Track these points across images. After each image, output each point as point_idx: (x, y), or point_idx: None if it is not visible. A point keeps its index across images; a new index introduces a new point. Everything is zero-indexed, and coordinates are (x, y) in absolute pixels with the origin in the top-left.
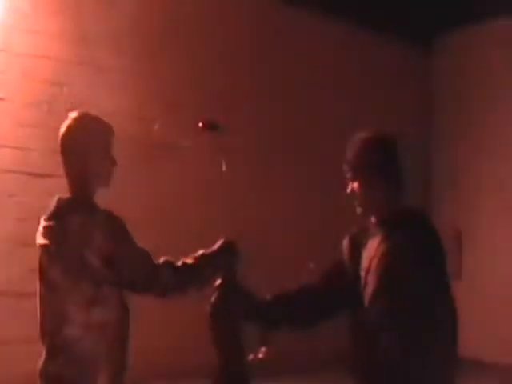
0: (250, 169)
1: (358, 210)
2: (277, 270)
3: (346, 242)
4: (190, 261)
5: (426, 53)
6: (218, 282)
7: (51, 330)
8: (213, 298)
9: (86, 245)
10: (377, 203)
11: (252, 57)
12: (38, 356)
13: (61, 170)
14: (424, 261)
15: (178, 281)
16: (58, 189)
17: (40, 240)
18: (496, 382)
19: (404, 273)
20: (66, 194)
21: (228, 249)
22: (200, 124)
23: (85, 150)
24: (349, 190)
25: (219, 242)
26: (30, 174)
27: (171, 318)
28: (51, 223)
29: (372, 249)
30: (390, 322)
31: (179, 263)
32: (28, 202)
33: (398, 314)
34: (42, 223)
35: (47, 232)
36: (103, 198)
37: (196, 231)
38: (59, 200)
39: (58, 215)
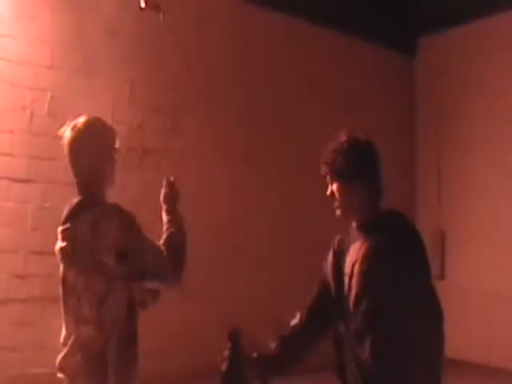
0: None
1: (337, 212)
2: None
3: (329, 257)
4: None
5: (408, 55)
6: (226, 353)
7: (70, 331)
8: (223, 368)
9: (99, 241)
10: (355, 206)
11: (234, 60)
12: (20, 362)
13: (43, 176)
14: (401, 261)
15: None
16: (40, 194)
17: (57, 245)
18: (478, 382)
19: (382, 274)
20: (46, 199)
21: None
22: (142, 4)
23: (96, 151)
24: (328, 193)
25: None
26: (11, 179)
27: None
28: (66, 226)
29: (354, 253)
30: (373, 323)
31: None
32: (10, 207)
33: (378, 314)
34: (59, 229)
35: (63, 235)
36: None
37: None
38: (71, 203)
39: (72, 217)
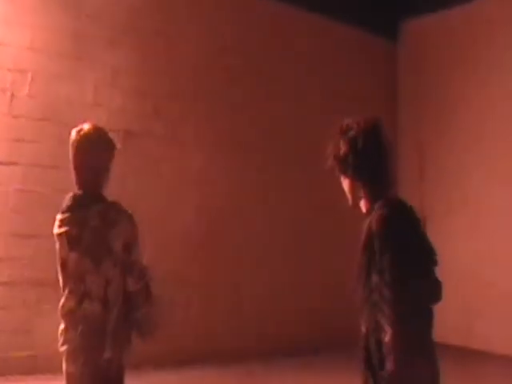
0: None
1: (349, 201)
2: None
3: None
4: None
5: (390, 39)
6: None
7: (71, 306)
8: None
9: (110, 230)
10: (361, 197)
11: (218, 45)
12: (2, 346)
13: (24, 158)
14: (384, 231)
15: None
16: (21, 177)
17: (57, 230)
18: (451, 364)
19: (376, 234)
20: (28, 181)
21: None
22: None
23: (101, 153)
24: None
25: None
26: None
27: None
28: (70, 214)
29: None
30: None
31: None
32: None
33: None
34: (59, 217)
35: (67, 222)
36: None
37: None
38: (75, 195)
39: (79, 206)
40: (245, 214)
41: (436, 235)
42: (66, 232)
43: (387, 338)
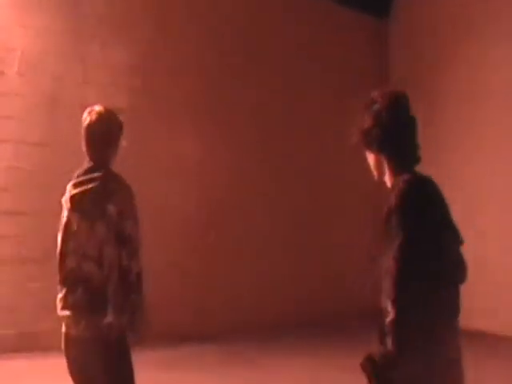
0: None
1: (375, 175)
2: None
3: None
4: None
5: (382, 16)
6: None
7: (72, 266)
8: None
9: (108, 195)
10: (385, 172)
11: (206, 20)
12: None
13: (13, 136)
14: (401, 207)
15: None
16: (11, 154)
17: (67, 195)
18: None
19: (393, 209)
20: (17, 159)
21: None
22: None
23: (112, 131)
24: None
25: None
26: None
27: None
28: (77, 181)
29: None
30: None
31: None
32: None
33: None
34: (70, 183)
35: (76, 186)
36: None
37: None
38: (84, 166)
39: (86, 173)
40: (245, 205)
41: None
42: (72, 195)
43: (388, 318)
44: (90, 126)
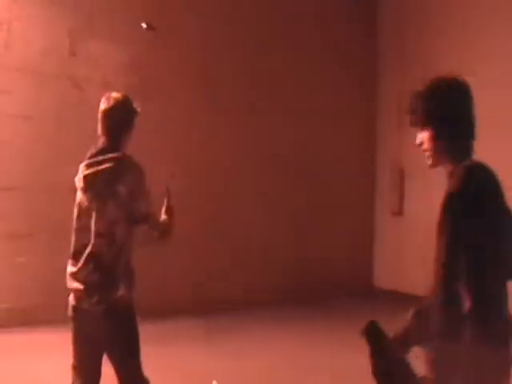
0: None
1: (428, 161)
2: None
3: None
4: None
5: None
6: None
7: (85, 243)
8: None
9: (119, 176)
10: (442, 154)
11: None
12: None
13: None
14: (461, 193)
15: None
16: None
17: (80, 174)
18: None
19: (442, 216)
20: (3, 131)
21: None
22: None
23: (130, 120)
24: (417, 141)
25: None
26: None
27: None
28: (91, 161)
29: None
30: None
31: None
32: None
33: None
34: (83, 163)
35: (87, 167)
36: None
37: None
38: (99, 146)
39: (100, 154)
40: (242, 190)
41: (416, 187)
42: (84, 175)
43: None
44: (106, 111)
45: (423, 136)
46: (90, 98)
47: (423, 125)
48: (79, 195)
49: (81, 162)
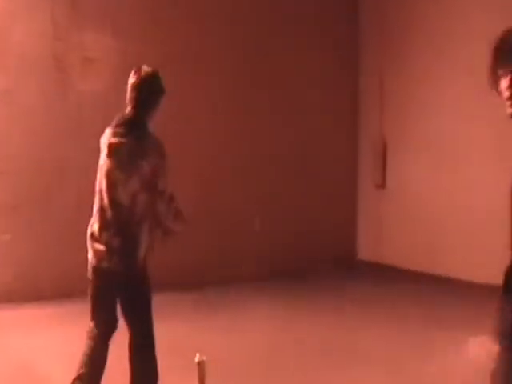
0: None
1: (509, 110)
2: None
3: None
4: None
5: None
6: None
7: (107, 206)
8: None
9: (143, 156)
10: None
11: None
12: None
13: None
14: None
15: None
16: None
17: (106, 140)
18: (411, 288)
19: None
20: None
21: None
22: None
23: (156, 95)
24: (499, 89)
25: None
26: None
27: None
28: (117, 130)
29: None
30: None
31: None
32: None
33: None
34: (110, 130)
35: (114, 136)
36: None
37: None
38: (126, 117)
39: (125, 127)
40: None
41: (399, 160)
42: (110, 143)
43: None
44: (135, 84)
45: (506, 84)
46: (74, 76)
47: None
48: (103, 158)
49: (65, 138)
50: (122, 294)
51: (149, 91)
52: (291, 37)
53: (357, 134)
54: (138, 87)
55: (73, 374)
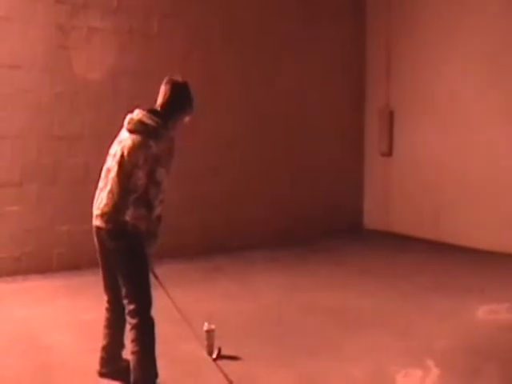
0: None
1: None
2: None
3: None
4: None
5: None
6: None
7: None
8: None
9: (144, 153)
10: None
11: None
12: None
13: None
14: None
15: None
16: None
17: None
18: (415, 256)
19: None
20: None
21: None
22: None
23: (182, 106)
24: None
25: None
26: None
27: None
28: (143, 117)
29: None
30: None
31: None
32: None
33: None
34: (141, 111)
35: (137, 116)
36: None
37: None
38: (146, 111)
39: (147, 117)
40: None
41: (405, 128)
42: (130, 118)
43: None
44: (170, 90)
45: None
46: (79, 44)
47: None
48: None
49: (66, 111)
50: (111, 255)
51: (173, 102)
52: (296, 7)
53: (363, 102)
54: (166, 93)
55: (79, 343)
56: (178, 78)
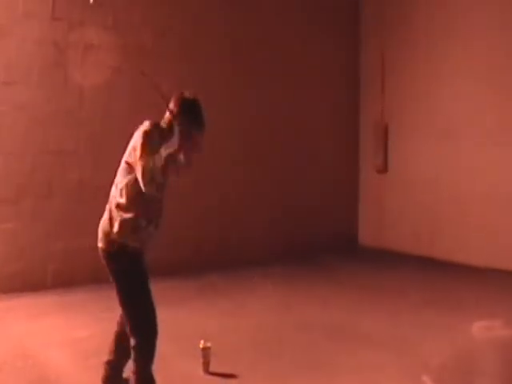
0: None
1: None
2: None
3: None
4: None
5: None
6: None
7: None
8: None
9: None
10: None
11: None
12: None
13: None
14: None
15: None
16: None
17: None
18: (410, 272)
19: None
20: None
21: None
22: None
23: (187, 120)
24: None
25: None
26: None
27: None
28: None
29: None
30: None
31: None
32: None
33: None
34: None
35: (150, 127)
36: None
37: None
38: (158, 123)
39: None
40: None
41: (400, 145)
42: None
43: None
44: (179, 107)
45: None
46: (75, 62)
47: None
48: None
49: (62, 127)
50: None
51: (184, 118)
52: (292, 12)
53: (358, 117)
54: (173, 110)
55: (74, 360)
56: (188, 94)
